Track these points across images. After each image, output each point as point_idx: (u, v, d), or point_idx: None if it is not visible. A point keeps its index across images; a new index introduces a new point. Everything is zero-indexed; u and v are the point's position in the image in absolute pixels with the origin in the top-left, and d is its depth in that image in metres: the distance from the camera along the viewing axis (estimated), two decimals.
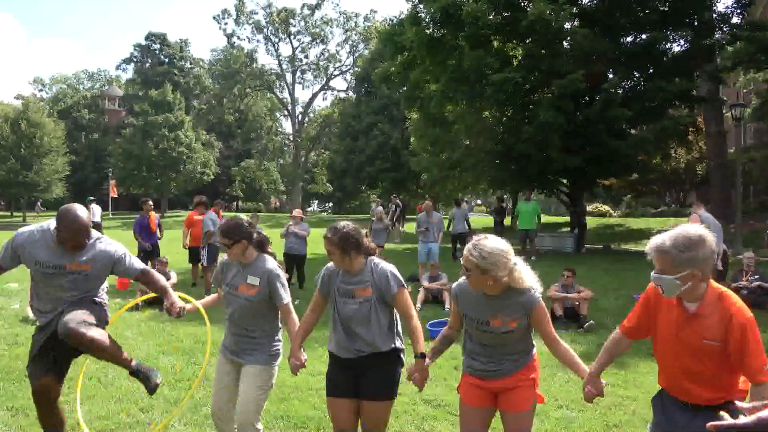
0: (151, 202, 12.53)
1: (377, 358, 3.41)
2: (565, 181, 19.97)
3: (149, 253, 11.86)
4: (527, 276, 3.11)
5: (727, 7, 18.91)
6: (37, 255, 3.65)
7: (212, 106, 60.30)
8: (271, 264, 3.77)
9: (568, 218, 23.31)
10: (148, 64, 60.16)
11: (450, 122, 20.39)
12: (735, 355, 2.48)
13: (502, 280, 3.03)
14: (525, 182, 18.78)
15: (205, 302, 4.10)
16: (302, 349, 3.58)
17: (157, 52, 60.80)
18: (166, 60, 60.35)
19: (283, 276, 3.81)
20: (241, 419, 3.60)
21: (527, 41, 18.15)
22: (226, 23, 55.96)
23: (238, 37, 56.65)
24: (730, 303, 2.53)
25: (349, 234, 3.40)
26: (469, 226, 16.21)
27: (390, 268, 3.47)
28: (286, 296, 3.69)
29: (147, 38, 60.77)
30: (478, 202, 62.90)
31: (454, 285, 3.33)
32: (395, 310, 3.49)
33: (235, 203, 61.47)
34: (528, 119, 17.62)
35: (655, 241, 2.57)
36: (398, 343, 3.49)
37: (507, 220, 21.96)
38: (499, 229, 19.35)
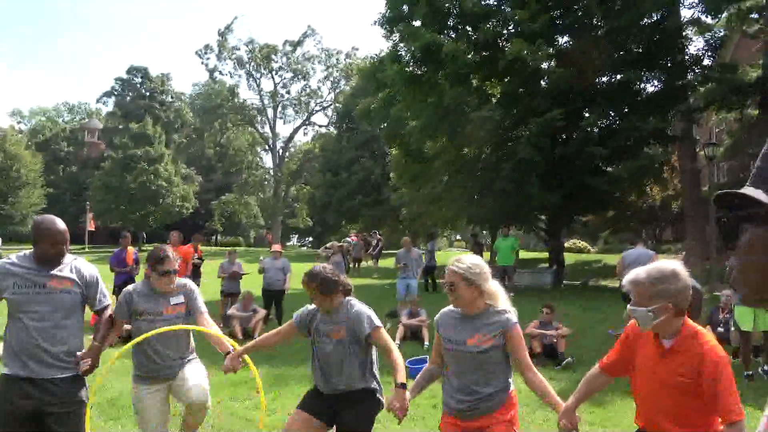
0: (129, 236, 12.42)
1: (353, 395, 3.49)
2: (543, 217, 20.16)
3: (124, 287, 11.69)
4: (502, 296, 3.21)
5: (699, 50, 19.52)
6: (15, 276, 3.45)
7: (193, 139, 60.29)
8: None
9: (546, 254, 23.45)
10: (128, 98, 60.14)
11: (430, 158, 20.57)
12: (708, 393, 2.52)
13: (484, 294, 3.12)
14: (504, 218, 18.93)
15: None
16: (241, 360, 3.71)
17: (139, 85, 60.86)
18: (147, 93, 60.38)
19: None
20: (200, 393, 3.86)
21: (506, 80, 18.51)
22: (208, 58, 56.26)
23: (220, 72, 56.98)
24: (705, 341, 2.61)
25: (328, 277, 3.54)
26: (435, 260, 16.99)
27: (364, 310, 3.54)
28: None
29: (128, 72, 60.85)
30: (458, 237, 63.11)
31: (436, 316, 3.37)
32: (373, 349, 3.56)
33: (214, 237, 61.03)
34: (507, 156, 17.85)
35: (632, 274, 2.67)
36: (374, 384, 3.55)
37: (486, 256, 22.01)
38: None
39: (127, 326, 4.22)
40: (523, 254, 25.37)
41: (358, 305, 3.57)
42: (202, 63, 56.54)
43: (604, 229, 34.59)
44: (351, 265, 20.97)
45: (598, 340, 9.93)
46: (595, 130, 18.31)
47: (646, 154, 18.83)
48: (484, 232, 29.92)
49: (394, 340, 9.64)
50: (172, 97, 63.10)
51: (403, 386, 3.29)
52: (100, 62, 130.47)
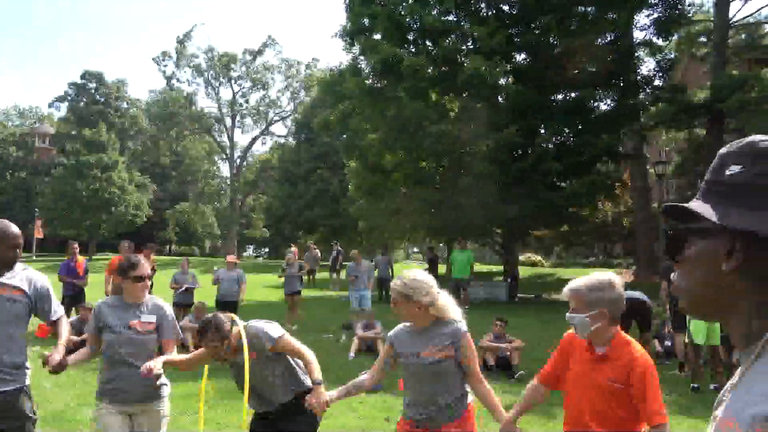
0: (77, 245, 12.08)
1: (287, 407, 3.55)
2: (499, 230, 20.41)
3: (74, 298, 11.38)
4: (452, 307, 3.27)
5: (650, 71, 20.16)
6: None
7: (148, 147, 59.24)
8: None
9: (501, 267, 23.73)
10: (82, 103, 58.78)
11: (388, 171, 20.66)
12: (636, 398, 2.69)
13: (428, 309, 3.17)
14: (460, 231, 19.10)
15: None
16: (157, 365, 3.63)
17: (93, 91, 59.54)
18: (102, 99, 59.11)
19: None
20: None
21: (464, 95, 18.75)
22: (165, 65, 55.49)
23: (178, 80, 56.25)
24: (635, 349, 2.80)
25: (219, 323, 3.49)
26: (392, 272, 17.11)
27: (259, 327, 3.57)
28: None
29: (83, 77, 59.50)
30: (415, 250, 63.37)
31: (391, 332, 3.41)
32: (289, 357, 3.63)
33: (168, 247, 59.94)
34: (464, 170, 18.06)
35: (571, 283, 2.87)
36: (304, 387, 3.60)
37: (441, 269, 22.17)
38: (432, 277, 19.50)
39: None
40: (479, 267, 25.61)
41: (253, 326, 3.59)
42: (160, 70, 55.77)
43: (558, 244, 35.22)
44: (307, 278, 20.85)
45: (551, 353, 10.04)
46: (551, 146, 18.69)
47: (598, 170, 19.29)
48: (441, 244, 30.13)
49: (349, 352, 9.64)
50: (127, 104, 61.91)
51: (319, 382, 3.37)
52: (52, 66, 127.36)
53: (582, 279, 2.86)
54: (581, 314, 2.78)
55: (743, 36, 25.63)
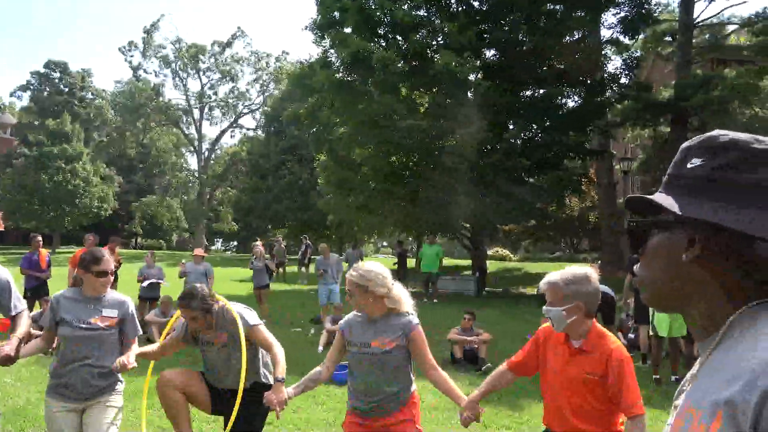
0: (40, 238, 11.85)
1: (243, 394, 3.56)
2: (467, 225, 20.57)
3: (36, 291, 11.17)
4: (405, 299, 3.33)
5: (617, 69, 20.46)
6: None
7: (114, 138, 58.16)
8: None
9: (469, 261, 23.92)
10: (45, 93, 57.45)
11: (358, 165, 20.66)
12: (613, 390, 2.75)
13: (382, 299, 3.24)
14: (429, 226, 19.20)
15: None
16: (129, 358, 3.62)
17: (57, 80, 58.23)
18: (66, 89, 57.84)
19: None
20: None
21: (434, 90, 18.81)
22: (132, 55, 54.49)
23: (145, 71, 55.31)
24: (610, 342, 2.85)
25: (204, 295, 3.66)
26: None
27: (238, 308, 3.68)
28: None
29: (46, 66, 58.14)
30: (384, 244, 63.50)
31: (341, 321, 3.49)
32: (257, 346, 3.70)
33: (134, 240, 59.06)
34: (433, 165, 18.13)
35: (547, 277, 2.90)
36: (264, 379, 3.69)
37: (410, 263, 22.27)
38: (401, 272, 19.60)
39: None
40: (447, 261, 25.78)
41: (234, 308, 3.68)
42: (126, 60, 54.80)
43: (526, 238, 35.63)
44: (277, 271, 20.74)
45: (518, 346, 10.12)
46: (519, 142, 18.87)
47: (566, 166, 19.53)
48: (410, 239, 30.23)
49: (318, 345, 9.64)
50: (92, 94, 60.68)
51: (281, 380, 3.40)
52: (14, 55, 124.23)
53: (558, 272, 2.90)
54: (557, 307, 2.82)
55: (707, 36, 26.15)
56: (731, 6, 44.83)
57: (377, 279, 3.23)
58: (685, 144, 1.02)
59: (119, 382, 3.71)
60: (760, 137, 0.95)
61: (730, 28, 25.65)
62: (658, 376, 7.89)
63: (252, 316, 3.67)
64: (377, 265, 3.36)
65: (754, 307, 0.90)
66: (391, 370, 3.24)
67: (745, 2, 62.58)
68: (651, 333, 8.35)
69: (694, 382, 0.94)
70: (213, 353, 3.62)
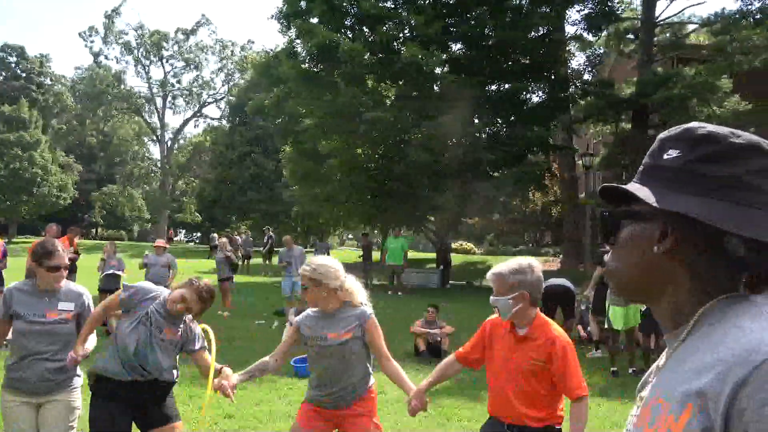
0: None
1: (165, 385, 3.57)
2: (432, 218, 20.68)
3: None
4: (359, 291, 3.40)
5: (580, 65, 20.78)
6: None
7: (73, 126, 56.85)
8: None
9: (434, 255, 24.06)
10: (1, 77, 55.80)
11: (324, 156, 20.59)
12: (557, 374, 2.90)
13: (336, 293, 3.29)
14: (395, 218, 19.25)
15: None
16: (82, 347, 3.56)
17: (13, 65, 56.58)
18: (23, 75, 56.26)
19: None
20: None
21: (400, 82, 18.83)
22: (92, 41, 53.27)
23: (106, 57, 54.14)
24: (554, 328, 3.01)
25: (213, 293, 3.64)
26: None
27: (199, 331, 3.66)
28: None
29: (1, 50, 56.47)
30: (350, 236, 63.45)
31: (298, 317, 3.52)
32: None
33: (94, 230, 57.91)
34: (399, 158, 18.17)
35: (494, 268, 3.05)
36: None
37: (375, 255, 22.30)
38: (366, 264, 19.63)
39: None
40: (412, 254, 25.88)
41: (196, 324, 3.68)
42: (86, 46, 53.60)
43: (490, 232, 35.98)
44: (242, 263, 20.59)
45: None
46: (483, 136, 19.02)
47: (529, 161, 19.76)
48: (376, 231, 30.27)
49: (282, 338, 9.60)
50: (51, 80, 59.13)
51: (226, 367, 3.47)
52: None
53: (504, 264, 3.04)
54: (504, 297, 2.93)
55: (668, 35, 26.66)
56: (691, 6, 45.71)
57: (329, 273, 3.27)
58: (663, 134, 1.01)
59: (76, 377, 3.64)
60: (738, 131, 0.95)
61: (690, 27, 26.18)
62: (615, 368, 8.05)
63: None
64: (329, 259, 3.42)
65: (724, 300, 0.90)
66: (349, 360, 3.31)
67: (704, 2, 63.95)
68: (606, 326, 8.54)
69: (662, 373, 0.95)
70: (157, 343, 3.48)
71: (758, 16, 19.00)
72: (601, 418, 6.25)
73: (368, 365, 3.42)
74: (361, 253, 21.65)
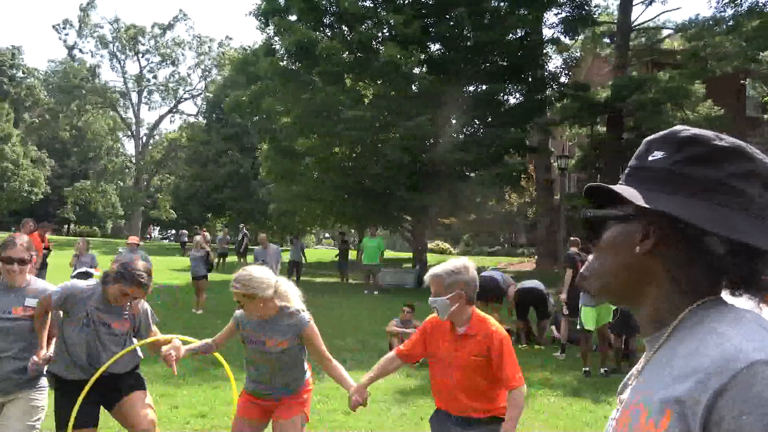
0: None
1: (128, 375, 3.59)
2: (408, 218, 20.71)
3: None
4: (293, 293, 3.49)
5: (557, 67, 20.97)
6: None
7: (46, 120, 55.87)
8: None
9: (410, 254, 24.10)
10: None
11: (301, 155, 20.51)
12: (495, 366, 3.05)
13: (272, 300, 3.36)
14: (371, 217, 19.25)
15: None
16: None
17: None
18: None
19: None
20: None
21: (378, 82, 18.82)
22: (67, 34, 52.47)
23: (80, 50, 53.35)
24: (491, 324, 3.14)
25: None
26: (304, 256, 18.09)
27: (146, 305, 3.65)
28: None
29: None
30: (327, 235, 63.31)
31: (237, 312, 3.59)
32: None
33: (66, 226, 57.01)
34: (376, 157, 18.17)
35: (431, 270, 3.14)
36: (138, 361, 3.69)
37: (352, 254, 22.28)
38: (343, 263, 19.60)
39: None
40: (389, 254, 25.91)
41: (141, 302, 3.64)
42: (60, 38, 52.81)
43: (466, 232, 36.17)
44: (218, 261, 20.42)
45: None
46: (461, 136, 19.10)
47: (505, 162, 19.89)
48: (352, 230, 30.26)
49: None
50: (23, 73, 58.06)
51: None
52: None
53: (440, 266, 3.14)
54: (442, 297, 3.03)
55: (643, 39, 27.03)
56: (666, 11, 46.55)
57: (261, 284, 3.31)
58: (649, 137, 1.01)
59: (42, 377, 3.57)
60: (723, 135, 0.95)
61: (665, 32, 26.60)
62: (587, 369, 8.12)
63: (152, 313, 3.70)
64: (256, 270, 3.42)
65: (705, 303, 0.91)
66: (286, 364, 3.45)
67: (679, 8, 64.95)
68: (578, 327, 8.62)
69: (641, 377, 0.95)
70: (106, 336, 3.42)
71: (731, 23, 19.35)
72: (573, 417, 6.30)
73: (305, 366, 3.58)
74: (337, 252, 21.61)
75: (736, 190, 0.91)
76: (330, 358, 3.46)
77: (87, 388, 3.29)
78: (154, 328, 3.68)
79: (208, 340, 3.65)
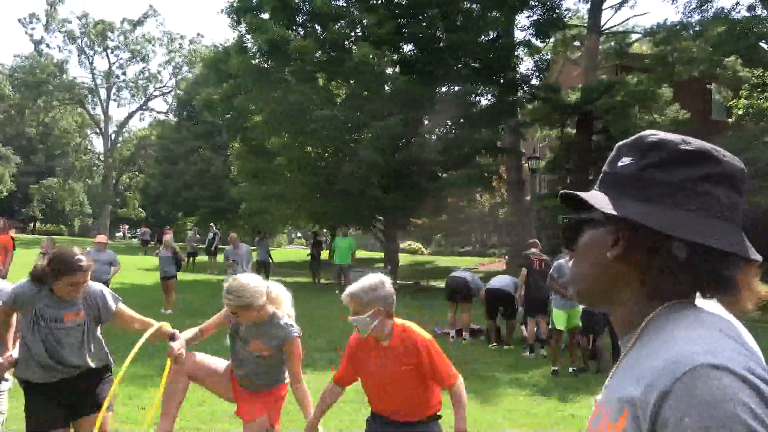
0: None
1: (90, 372, 3.44)
2: (381, 218, 20.73)
3: None
4: (285, 297, 3.58)
5: (528, 70, 21.16)
6: None
7: (11, 116, 54.68)
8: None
9: (382, 254, 24.13)
10: None
11: (273, 154, 20.37)
12: (428, 371, 3.09)
13: (266, 306, 3.43)
14: (344, 217, 19.22)
15: None
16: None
17: None
18: None
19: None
20: None
21: (351, 81, 18.81)
22: (33, 28, 51.39)
23: (48, 45, 52.31)
24: (412, 332, 3.17)
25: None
26: (270, 257, 18.05)
27: (98, 287, 3.50)
28: None
29: None
30: (299, 235, 63.05)
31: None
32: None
33: (32, 224, 55.89)
34: (349, 157, 18.16)
35: (347, 290, 3.14)
36: (109, 360, 3.57)
37: (324, 254, 22.22)
38: (315, 263, 19.54)
39: None
40: (361, 254, 25.92)
41: (92, 285, 3.45)
42: (26, 33, 51.66)
43: (438, 232, 36.32)
44: (187, 260, 20.20)
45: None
46: (433, 137, 19.18)
47: (477, 163, 20.01)
48: (324, 230, 30.17)
49: (226, 337, 9.47)
50: None
51: (172, 336, 3.61)
52: None
53: (356, 284, 3.16)
54: (362, 316, 3.06)
55: (613, 43, 27.44)
56: (635, 16, 47.51)
57: (255, 293, 3.36)
58: (620, 142, 1.03)
59: (4, 381, 3.50)
60: (689, 138, 0.97)
61: (634, 36, 27.04)
62: (556, 368, 8.21)
63: (113, 295, 3.53)
64: (246, 278, 3.43)
65: (670, 306, 0.93)
66: (265, 369, 3.56)
67: (647, 13, 66.04)
68: (550, 326, 8.73)
69: (612, 378, 0.97)
70: (62, 332, 3.31)
71: (698, 28, 19.75)
72: (541, 416, 6.38)
73: (282, 374, 3.66)
74: (309, 252, 21.54)
75: (701, 193, 0.93)
76: (301, 381, 3.51)
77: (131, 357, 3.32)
78: (122, 306, 3.55)
79: (196, 329, 3.74)
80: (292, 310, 3.60)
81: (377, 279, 3.15)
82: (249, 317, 3.38)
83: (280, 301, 3.50)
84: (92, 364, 3.38)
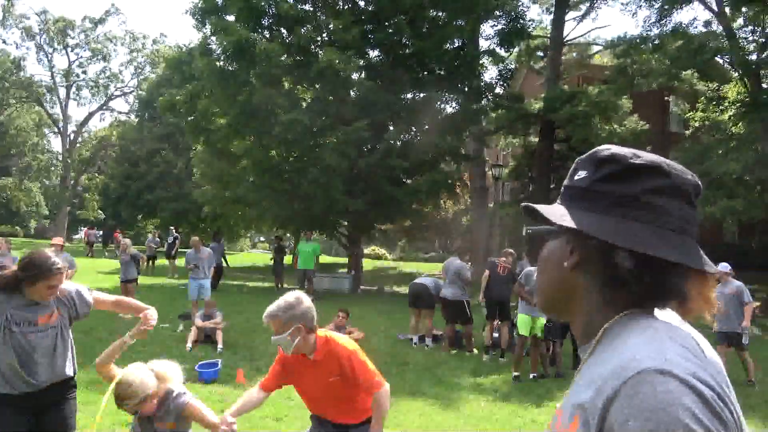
0: None
1: (63, 384, 3.36)
2: (345, 223, 20.70)
3: None
4: (171, 372, 3.41)
5: (493, 78, 21.42)
6: None
7: None
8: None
9: (346, 260, 24.08)
10: None
11: (236, 157, 20.17)
12: (353, 380, 3.14)
13: (157, 392, 3.23)
14: (307, 222, 19.12)
15: None
16: None
17: None
18: None
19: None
20: None
21: (316, 86, 18.77)
22: None
23: (4, 41, 51.17)
24: (336, 344, 3.20)
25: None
26: (225, 261, 17.73)
27: (72, 286, 3.40)
28: None
29: None
30: (261, 239, 62.54)
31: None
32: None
33: None
34: (313, 161, 18.09)
35: (267, 311, 3.13)
36: (75, 369, 3.48)
37: (288, 259, 22.08)
38: (278, 268, 19.41)
39: None
40: (325, 259, 25.82)
41: (66, 283, 3.35)
42: None
43: (402, 238, 36.41)
44: (146, 264, 19.84)
45: (389, 343, 10.40)
46: (398, 143, 19.24)
47: (441, 169, 20.14)
48: (288, 234, 29.98)
49: (186, 342, 9.33)
50: None
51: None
52: None
53: (274, 304, 3.14)
54: (282, 335, 3.07)
55: (575, 54, 27.97)
56: (597, 28, 48.47)
57: (144, 387, 3.14)
58: (579, 157, 1.06)
59: None
60: (641, 152, 1.00)
61: (596, 48, 27.61)
62: (517, 374, 8.30)
63: (88, 291, 3.44)
64: (133, 372, 3.19)
65: (626, 315, 0.95)
66: None
67: (608, 26, 67.49)
68: (515, 333, 8.86)
69: (572, 385, 0.98)
70: (33, 336, 3.19)
71: (657, 42, 20.24)
72: (502, 421, 6.44)
73: None
74: (272, 256, 21.37)
75: (650, 206, 0.95)
76: (216, 425, 3.20)
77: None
78: (96, 293, 3.51)
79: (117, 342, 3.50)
80: (182, 388, 3.39)
81: (294, 297, 3.17)
82: (151, 407, 3.21)
83: (167, 378, 3.32)
84: (59, 370, 3.29)
